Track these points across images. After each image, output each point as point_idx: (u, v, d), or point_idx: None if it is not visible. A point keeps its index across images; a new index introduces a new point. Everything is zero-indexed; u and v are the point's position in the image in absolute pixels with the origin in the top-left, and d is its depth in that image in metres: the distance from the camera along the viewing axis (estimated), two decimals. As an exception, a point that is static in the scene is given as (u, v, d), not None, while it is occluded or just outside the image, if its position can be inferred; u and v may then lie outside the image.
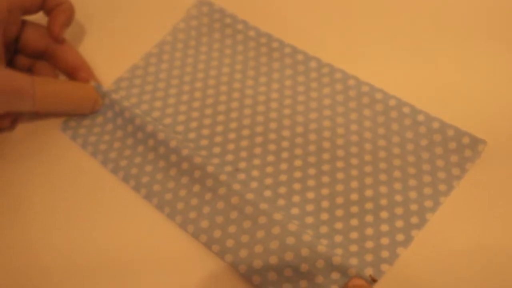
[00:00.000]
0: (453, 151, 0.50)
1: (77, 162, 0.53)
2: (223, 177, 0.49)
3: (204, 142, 0.53)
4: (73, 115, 0.56)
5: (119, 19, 0.62)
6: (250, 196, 0.48)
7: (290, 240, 0.46)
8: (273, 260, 0.45)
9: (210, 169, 0.49)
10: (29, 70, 0.57)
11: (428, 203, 0.48)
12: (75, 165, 0.53)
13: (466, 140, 0.50)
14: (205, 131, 0.54)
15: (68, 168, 0.53)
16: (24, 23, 0.55)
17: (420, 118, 0.52)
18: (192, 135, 0.53)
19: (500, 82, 0.54)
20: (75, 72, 0.56)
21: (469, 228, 0.47)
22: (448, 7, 0.59)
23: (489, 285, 0.44)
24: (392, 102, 0.53)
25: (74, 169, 0.53)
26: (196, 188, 0.50)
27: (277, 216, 0.47)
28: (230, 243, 0.47)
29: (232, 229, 0.47)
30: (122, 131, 0.54)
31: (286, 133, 0.53)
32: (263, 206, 0.47)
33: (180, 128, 0.54)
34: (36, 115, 0.56)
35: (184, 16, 0.61)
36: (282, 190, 0.50)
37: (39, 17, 0.56)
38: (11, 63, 0.56)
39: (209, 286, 0.46)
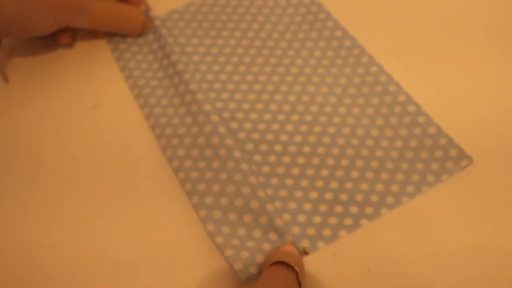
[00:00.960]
0: (437, 159, 0.50)
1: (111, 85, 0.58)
2: (214, 118, 0.52)
3: (217, 85, 0.57)
4: (125, 35, 0.61)
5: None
6: (229, 141, 0.51)
7: (246, 190, 0.49)
8: (224, 201, 0.49)
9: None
10: None
11: (389, 199, 0.49)
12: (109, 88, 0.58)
13: (453, 153, 0.50)
14: (223, 76, 0.57)
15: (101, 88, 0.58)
16: None
17: (421, 119, 0.52)
18: (210, 77, 0.57)
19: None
20: None
21: (420, 233, 0.48)
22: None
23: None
24: (401, 98, 0.54)
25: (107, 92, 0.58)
26: (195, 130, 0.53)
27: (244, 166, 0.50)
28: (202, 187, 0.50)
29: (208, 175, 0.51)
30: (158, 63, 0.58)
31: (291, 98, 0.55)
32: (237, 154, 0.50)
33: (203, 67, 0.58)
34: (92, 36, 0.62)
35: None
36: (264, 147, 0.53)
37: None
38: None
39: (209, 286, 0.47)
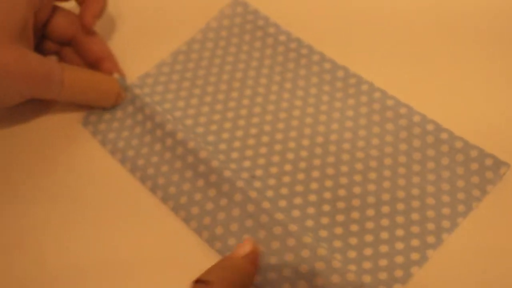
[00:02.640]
0: (475, 172, 0.49)
1: (95, 160, 0.54)
2: (239, 183, 0.49)
3: (222, 146, 0.53)
4: (95, 107, 0.56)
5: (151, 14, 0.62)
6: (266, 205, 0.47)
7: (305, 253, 0.45)
8: (286, 272, 0.45)
9: (227, 173, 0.49)
10: (56, 56, 0.57)
11: (445, 223, 0.47)
12: (93, 162, 0.53)
13: (489, 162, 0.49)
14: (225, 135, 0.53)
15: (86, 165, 0.53)
16: (54, 8, 0.55)
17: (444, 136, 0.51)
18: (211, 138, 0.53)
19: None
20: (100, 62, 0.56)
21: (486, 251, 0.46)
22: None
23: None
24: (416, 118, 0.52)
25: (91, 167, 0.53)
26: (212, 192, 0.49)
27: (292, 227, 0.46)
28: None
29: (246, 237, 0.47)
30: (141, 127, 0.54)
31: (305, 142, 0.52)
32: (279, 216, 0.47)
33: (200, 129, 0.54)
34: (60, 109, 0.56)
35: (217, 15, 0.61)
36: (297, 201, 0.49)
37: (72, 7, 0.57)
38: (37, 48, 0.56)
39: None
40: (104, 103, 0.55)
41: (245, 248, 0.39)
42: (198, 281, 0.37)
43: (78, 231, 0.50)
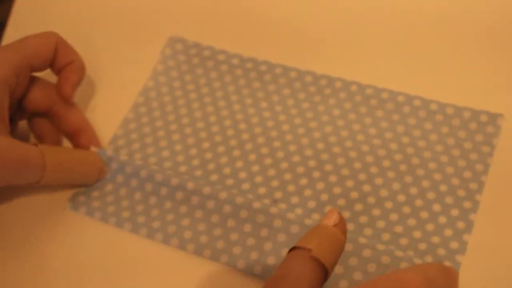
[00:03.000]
0: (476, 131, 0.51)
1: (97, 238, 0.50)
2: (273, 210, 0.47)
3: (229, 181, 0.50)
4: (76, 186, 0.51)
5: (96, 71, 0.58)
6: (308, 221, 0.46)
7: (367, 253, 0.45)
8: (357, 276, 0.44)
9: (256, 205, 0.47)
10: (29, 123, 0.53)
11: (473, 185, 0.48)
12: (101, 242, 0.50)
13: (484, 118, 0.51)
14: (226, 170, 0.51)
15: (93, 248, 0.49)
16: (29, 79, 0.50)
17: (433, 107, 0.52)
18: (214, 177, 0.51)
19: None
20: (77, 135, 0.52)
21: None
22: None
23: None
24: (401, 98, 0.53)
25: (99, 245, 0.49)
26: (248, 228, 0.47)
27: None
28: None
29: None
30: (140, 192, 0.50)
31: (308, 152, 0.51)
32: None
33: (198, 173, 0.51)
34: (37, 198, 0.51)
35: (160, 58, 0.58)
36: (328, 209, 0.48)
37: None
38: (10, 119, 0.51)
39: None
40: (87, 181, 0.51)
41: (334, 218, 0.37)
42: (296, 248, 0.36)
43: None
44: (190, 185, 0.49)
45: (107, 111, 0.56)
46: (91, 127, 0.53)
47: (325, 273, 0.35)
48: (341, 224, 0.37)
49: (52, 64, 0.51)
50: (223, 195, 0.48)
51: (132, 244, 0.49)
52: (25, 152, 0.45)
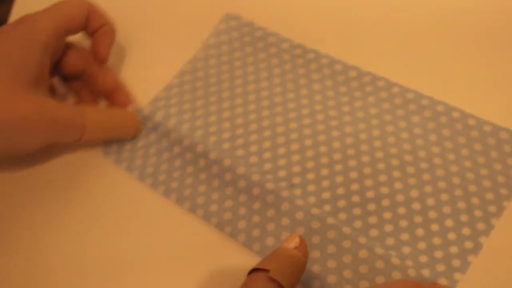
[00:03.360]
0: (509, 154, 0.49)
1: (121, 187, 0.52)
2: (284, 193, 0.48)
3: (253, 159, 0.51)
4: (114, 142, 0.54)
5: (148, 38, 0.60)
6: (315, 211, 0.46)
7: (363, 254, 0.44)
8: (347, 274, 0.44)
9: (269, 186, 0.48)
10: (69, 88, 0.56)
11: (492, 208, 0.47)
12: (120, 190, 0.52)
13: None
14: (253, 148, 0.52)
15: (112, 193, 0.51)
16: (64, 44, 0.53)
17: (471, 122, 0.51)
18: (240, 152, 0.52)
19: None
20: (113, 94, 0.54)
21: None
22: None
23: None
24: (440, 108, 0.52)
25: (119, 194, 0.51)
26: (257, 205, 0.48)
27: (346, 230, 0.46)
28: None
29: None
30: (168, 153, 0.52)
31: (336, 144, 0.51)
32: (331, 220, 0.46)
33: (226, 145, 0.52)
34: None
35: (213, 32, 0.60)
36: (341, 203, 0.48)
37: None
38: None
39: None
40: (124, 137, 0.54)
41: (295, 240, 0.39)
42: (255, 270, 0.37)
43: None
44: (213, 155, 0.50)
45: (150, 76, 0.58)
46: (124, 87, 0.55)
47: None
48: (302, 246, 0.39)
49: (85, 27, 0.53)
50: (241, 170, 0.49)
51: (150, 200, 0.51)
52: (68, 113, 0.48)
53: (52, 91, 0.55)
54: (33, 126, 0.45)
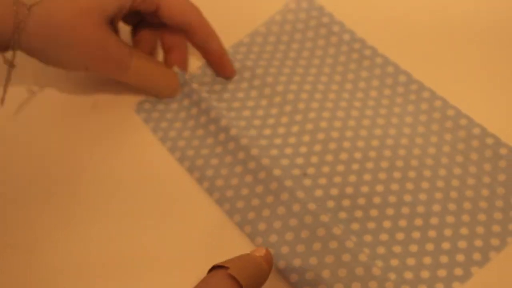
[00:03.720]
0: None
1: (145, 147, 0.54)
2: (288, 182, 0.49)
3: (277, 140, 0.53)
4: (151, 95, 0.57)
5: (213, 6, 0.61)
6: (311, 206, 0.47)
7: (346, 257, 0.45)
8: (326, 274, 0.45)
9: (276, 172, 0.49)
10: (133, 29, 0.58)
11: (494, 241, 0.46)
12: (142, 149, 0.54)
13: None
14: (281, 129, 0.53)
15: (135, 152, 0.54)
16: None
17: (503, 151, 0.50)
18: (267, 132, 0.53)
19: None
20: (171, 50, 0.57)
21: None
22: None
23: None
24: (476, 131, 0.51)
25: (140, 154, 0.54)
26: (259, 189, 0.50)
27: (336, 230, 0.46)
28: (285, 249, 0.46)
29: (289, 236, 0.47)
30: (194, 121, 0.54)
31: (360, 143, 0.52)
32: (324, 218, 0.47)
33: (257, 122, 0.54)
34: (115, 93, 0.57)
35: (281, 9, 0.61)
36: (346, 203, 0.49)
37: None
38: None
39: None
40: (161, 93, 0.56)
41: (261, 251, 0.41)
42: (215, 268, 0.38)
43: (120, 218, 0.51)
44: (233, 131, 0.52)
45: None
46: (185, 46, 0.58)
47: None
48: (267, 257, 0.40)
49: (190, 39, 0.56)
50: (254, 151, 0.51)
51: (165, 166, 0.53)
52: (118, 49, 0.52)
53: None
54: (89, 53, 0.50)
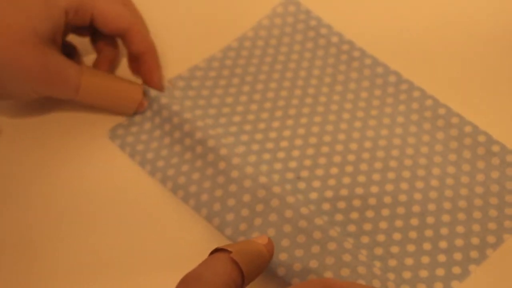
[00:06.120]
0: None
1: (125, 173, 0.52)
2: (276, 189, 0.48)
3: (269, 145, 0.52)
4: (115, 113, 0.54)
5: (200, 10, 0.62)
6: (304, 210, 0.47)
7: (346, 257, 0.44)
8: (327, 275, 0.45)
9: (262, 179, 0.48)
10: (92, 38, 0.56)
11: (491, 239, 0.46)
12: (122, 175, 0.52)
13: None
14: (273, 134, 0.53)
15: (115, 179, 0.52)
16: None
17: (495, 148, 0.50)
18: (259, 136, 0.53)
19: None
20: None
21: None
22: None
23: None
24: (468, 129, 0.51)
25: (121, 180, 0.52)
26: (247, 198, 0.48)
27: (332, 232, 0.46)
28: (283, 256, 0.45)
29: (285, 242, 0.46)
30: (169, 137, 0.53)
31: (353, 146, 0.52)
32: (318, 221, 0.46)
33: (247, 127, 0.54)
34: (84, 122, 0.55)
35: (269, 13, 0.61)
36: (341, 205, 0.49)
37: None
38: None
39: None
40: (124, 110, 0.54)
41: (264, 239, 0.41)
42: (217, 250, 0.38)
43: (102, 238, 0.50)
44: (211, 142, 0.50)
45: (197, 46, 0.59)
46: (156, 51, 0.56)
47: (241, 277, 0.36)
48: (269, 246, 0.40)
49: (127, 47, 0.54)
50: (236, 160, 0.49)
51: (148, 189, 0.51)
52: (63, 69, 0.50)
53: (72, 50, 0.57)
54: (30, 74, 0.49)
